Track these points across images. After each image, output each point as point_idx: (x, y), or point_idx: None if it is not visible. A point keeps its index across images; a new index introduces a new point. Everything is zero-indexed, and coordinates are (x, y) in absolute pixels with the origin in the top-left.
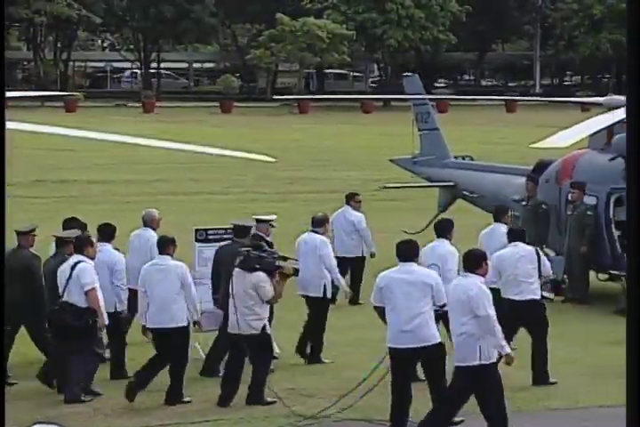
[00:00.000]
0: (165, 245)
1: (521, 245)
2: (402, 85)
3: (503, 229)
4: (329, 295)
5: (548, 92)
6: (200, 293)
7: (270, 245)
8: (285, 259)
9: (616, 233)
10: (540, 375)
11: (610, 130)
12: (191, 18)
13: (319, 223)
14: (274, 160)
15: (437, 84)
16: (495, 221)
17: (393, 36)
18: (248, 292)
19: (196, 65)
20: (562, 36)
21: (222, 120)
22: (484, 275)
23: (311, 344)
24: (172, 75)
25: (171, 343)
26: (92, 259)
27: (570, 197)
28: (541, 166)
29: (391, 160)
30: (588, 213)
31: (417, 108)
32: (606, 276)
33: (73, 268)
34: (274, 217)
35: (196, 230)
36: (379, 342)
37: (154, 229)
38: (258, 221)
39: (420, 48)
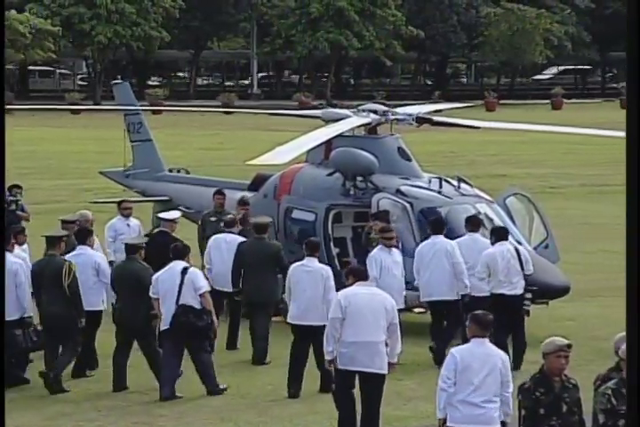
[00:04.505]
0: (315, 248)
1: (507, 243)
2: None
3: (482, 238)
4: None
5: (266, 92)
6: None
7: (176, 240)
8: None
9: (335, 250)
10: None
11: (328, 144)
12: None
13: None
14: None
15: (151, 83)
16: (470, 231)
17: (102, 31)
18: None
19: None
20: (279, 35)
21: None
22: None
23: None
24: None
25: (316, 340)
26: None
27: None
28: (260, 180)
29: (101, 173)
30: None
31: (128, 119)
32: None
33: (183, 273)
34: (178, 215)
35: None
36: None
37: None
38: (162, 219)
39: (131, 45)
